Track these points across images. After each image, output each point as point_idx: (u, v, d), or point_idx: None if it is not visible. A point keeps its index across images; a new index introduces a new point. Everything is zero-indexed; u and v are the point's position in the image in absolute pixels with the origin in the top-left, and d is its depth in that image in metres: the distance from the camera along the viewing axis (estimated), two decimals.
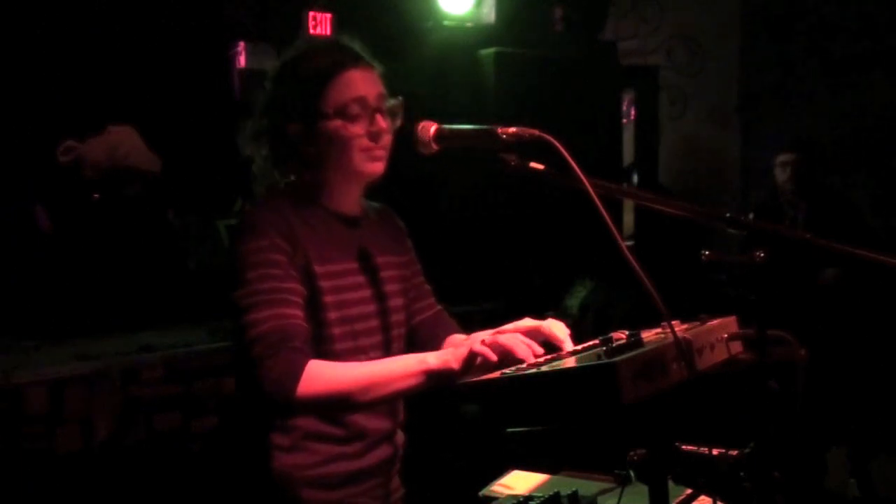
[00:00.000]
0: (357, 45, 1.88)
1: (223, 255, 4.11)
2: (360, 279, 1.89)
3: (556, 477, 1.87)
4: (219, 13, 5.26)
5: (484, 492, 1.81)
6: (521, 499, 1.63)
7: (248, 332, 1.67)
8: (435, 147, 1.78)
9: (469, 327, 2.07)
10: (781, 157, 5.08)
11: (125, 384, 3.33)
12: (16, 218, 3.94)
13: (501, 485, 1.85)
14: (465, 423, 3.56)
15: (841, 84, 6.11)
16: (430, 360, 1.68)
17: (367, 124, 1.82)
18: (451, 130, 1.77)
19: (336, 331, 1.81)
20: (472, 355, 1.64)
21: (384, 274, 1.95)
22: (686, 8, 6.91)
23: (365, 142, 1.82)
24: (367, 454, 1.90)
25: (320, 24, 5.23)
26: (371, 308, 1.90)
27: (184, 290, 4.07)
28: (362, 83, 1.84)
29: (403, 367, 1.69)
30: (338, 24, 5.25)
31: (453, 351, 1.68)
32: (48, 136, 4.10)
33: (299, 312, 1.73)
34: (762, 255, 1.46)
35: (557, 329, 1.73)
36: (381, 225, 2.02)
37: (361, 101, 1.82)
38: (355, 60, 1.85)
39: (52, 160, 4.02)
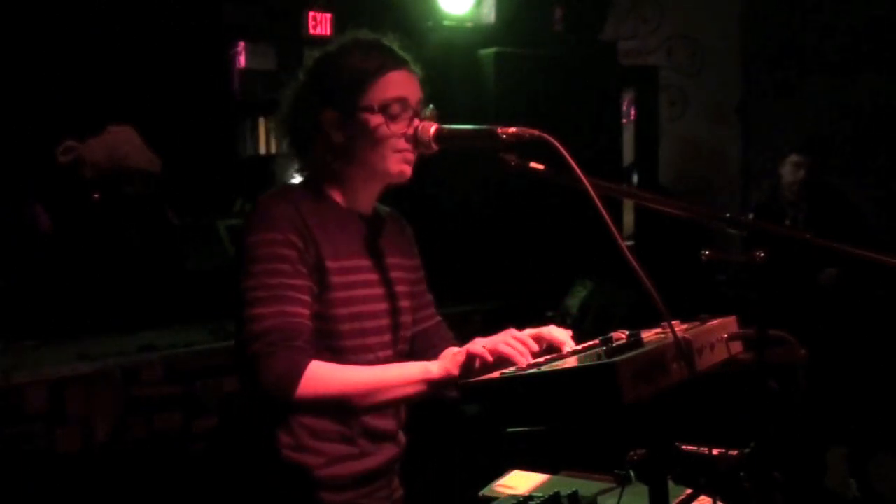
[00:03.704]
0: (397, 47, 1.89)
1: (223, 256, 4.12)
2: (372, 277, 1.88)
3: (556, 477, 1.86)
4: (219, 13, 5.26)
5: (484, 492, 1.81)
6: (521, 499, 1.63)
7: (249, 326, 1.66)
8: (435, 147, 1.78)
9: (469, 327, 2.08)
10: (794, 158, 5.01)
11: (125, 384, 3.33)
12: (16, 218, 3.93)
13: (501, 485, 1.85)
14: (465, 423, 3.55)
15: (841, 84, 6.11)
16: (433, 368, 1.68)
17: (405, 126, 1.81)
18: (451, 130, 1.77)
19: (345, 327, 1.80)
20: (470, 358, 1.64)
21: (394, 275, 1.94)
22: (686, 8, 6.90)
23: (401, 143, 1.81)
24: (373, 454, 1.89)
25: (320, 24, 5.23)
26: (382, 306, 1.89)
27: (184, 290, 4.06)
28: (406, 85, 1.84)
29: (406, 375, 1.69)
30: (338, 24, 5.25)
31: (452, 357, 1.69)
32: (48, 136, 4.10)
33: (304, 310, 1.71)
34: (762, 255, 1.47)
35: (558, 333, 1.73)
36: (391, 228, 2.01)
37: (404, 101, 1.81)
38: (402, 62, 1.86)
39: (52, 160, 4.02)
